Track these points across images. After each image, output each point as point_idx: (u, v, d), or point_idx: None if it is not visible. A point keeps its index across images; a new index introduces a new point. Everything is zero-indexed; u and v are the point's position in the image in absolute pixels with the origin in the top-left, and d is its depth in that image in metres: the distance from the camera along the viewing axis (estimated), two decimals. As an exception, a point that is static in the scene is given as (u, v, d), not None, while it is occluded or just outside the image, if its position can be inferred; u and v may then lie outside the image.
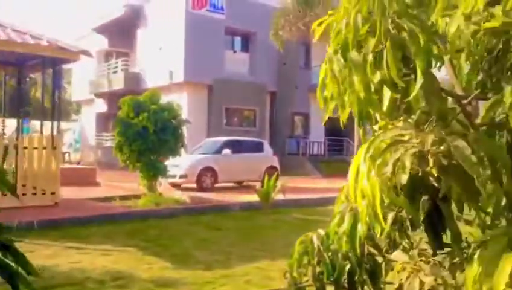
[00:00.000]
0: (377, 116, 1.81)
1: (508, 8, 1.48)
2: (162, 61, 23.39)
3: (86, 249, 6.80)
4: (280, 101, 25.31)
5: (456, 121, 2.10)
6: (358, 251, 2.69)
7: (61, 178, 10.42)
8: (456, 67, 2.14)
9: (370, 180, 1.76)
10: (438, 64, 2.25)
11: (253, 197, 11.41)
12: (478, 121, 2.46)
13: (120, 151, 11.38)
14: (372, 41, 1.54)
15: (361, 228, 2.45)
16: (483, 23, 1.51)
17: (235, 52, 24.91)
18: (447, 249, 2.31)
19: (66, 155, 26.85)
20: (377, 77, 1.60)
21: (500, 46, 1.54)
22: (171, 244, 7.20)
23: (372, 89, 1.65)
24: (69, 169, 16.25)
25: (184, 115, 14.94)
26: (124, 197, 11.49)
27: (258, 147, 17.37)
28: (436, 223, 2.19)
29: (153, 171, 11.48)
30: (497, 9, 1.49)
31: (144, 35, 25.58)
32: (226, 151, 15.91)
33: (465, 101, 1.87)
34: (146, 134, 11.13)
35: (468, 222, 2.36)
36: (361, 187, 1.88)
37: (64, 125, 30.30)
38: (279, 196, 11.20)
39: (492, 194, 2.49)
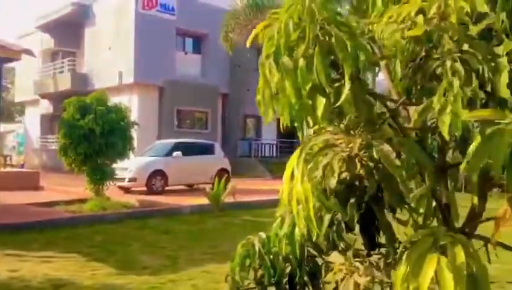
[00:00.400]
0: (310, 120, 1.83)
1: (430, 16, 1.53)
2: (111, 62, 22.86)
3: (27, 257, 6.53)
4: (232, 104, 25.32)
5: (388, 125, 2.17)
6: (298, 253, 2.72)
7: (2, 182, 9.96)
8: (392, 73, 2.21)
9: (303, 184, 1.79)
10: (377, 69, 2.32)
11: (204, 200, 11.33)
12: (411, 125, 2.54)
13: (65, 155, 11.03)
14: (302, 47, 1.56)
15: (300, 231, 2.48)
16: (407, 30, 1.56)
17: (186, 53, 24.70)
18: (384, 249, 2.37)
19: (8, 158, 25.72)
20: (309, 82, 1.62)
21: (423, 53, 1.59)
22: (116, 249, 7.03)
23: (305, 94, 1.67)
24: (11, 173, 15.58)
25: (134, 117, 14.67)
26: (68, 202, 11.13)
27: (209, 149, 17.28)
28: (370, 225, 2.24)
29: (100, 174, 11.19)
30: (420, 18, 1.54)
31: (92, 34, 24.90)
32: (177, 153, 15.72)
33: (393, 106, 1.93)
34: (92, 136, 10.83)
35: (403, 222, 2.43)
36: (296, 191, 1.91)
37: (6, 127, 29.07)
38: (230, 199, 11.18)
39: (423, 195, 2.59)
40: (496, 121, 1.68)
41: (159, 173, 15.01)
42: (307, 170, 1.67)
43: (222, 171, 16.00)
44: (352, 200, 1.68)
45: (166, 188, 15.09)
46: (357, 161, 1.58)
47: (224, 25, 17.33)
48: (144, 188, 14.67)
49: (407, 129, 2.52)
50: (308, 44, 1.54)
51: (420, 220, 2.73)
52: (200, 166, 16.07)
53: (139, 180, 14.64)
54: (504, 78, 1.77)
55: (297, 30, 1.62)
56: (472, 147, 1.72)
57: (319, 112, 1.89)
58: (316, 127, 2.02)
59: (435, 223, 2.48)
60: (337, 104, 1.64)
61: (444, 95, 1.87)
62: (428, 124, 2.41)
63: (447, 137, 1.92)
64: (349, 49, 1.55)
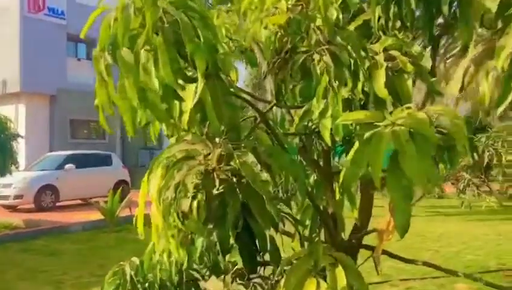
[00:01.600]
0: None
1: (294, 3, 1.30)
2: (-8, 69, 20.84)
3: None
4: (131, 112, 24.29)
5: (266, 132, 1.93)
6: (176, 279, 2.42)
7: None
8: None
9: (158, 207, 1.48)
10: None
11: (99, 215, 10.54)
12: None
13: None
14: (142, 38, 1.25)
15: (172, 256, 2.18)
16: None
17: (79, 60, 23.26)
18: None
19: None
20: (156, 80, 1.32)
21: (289, 46, 1.36)
22: (-11, 278, 6.20)
23: (153, 96, 1.37)
24: None
25: (21, 128, 13.42)
26: None
27: (105, 160, 16.33)
28: (250, 243, 1.98)
29: (-24, 193, 9.99)
30: (282, 4, 1.31)
31: (-31, 39, 22.56)
32: (69, 166, 14.64)
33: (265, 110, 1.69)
34: (-35, 151, 9.65)
35: (290, 235, 2.21)
36: (152, 214, 1.60)
37: None
38: (127, 212, 10.52)
39: (307, 207, 2.38)
40: (375, 123, 1.50)
41: (48, 188, 13.88)
42: (159, 189, 1.37)
43: (121, 183, 15.20)
44: (210, 225, 1.39)
45: (58, 203, 13.98)
46: (215, 175, 1.29)
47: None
48: (33, 205, 13.47)
49: (289, 135, 2.31)
50: (149, 33, 1.23)
51: (306, 232, 2.53)
52: (96, 178, 15.12)
53: (26, 197, 13.40)
54: (380, 76, 1.60)
55: (139, 16, 1.31)
56: (350, 154, 1.52)
57: (186, 116, 1.60)
58: (178, 134, 1.73)
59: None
60: (191, 108, 1.35)
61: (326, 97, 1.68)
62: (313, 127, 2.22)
63: (328, 142, 1.72)
64: (202, 39, 1.26)
